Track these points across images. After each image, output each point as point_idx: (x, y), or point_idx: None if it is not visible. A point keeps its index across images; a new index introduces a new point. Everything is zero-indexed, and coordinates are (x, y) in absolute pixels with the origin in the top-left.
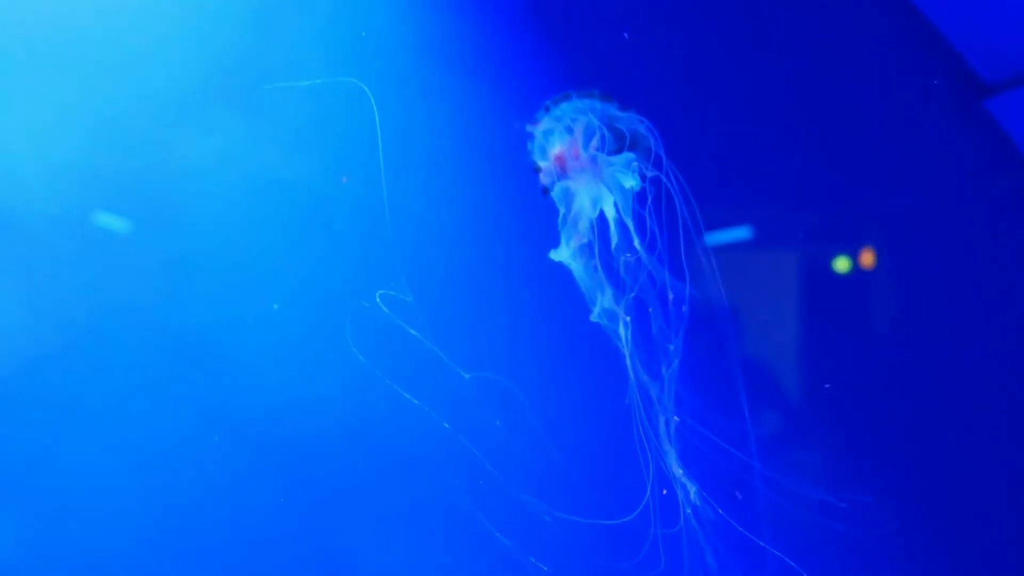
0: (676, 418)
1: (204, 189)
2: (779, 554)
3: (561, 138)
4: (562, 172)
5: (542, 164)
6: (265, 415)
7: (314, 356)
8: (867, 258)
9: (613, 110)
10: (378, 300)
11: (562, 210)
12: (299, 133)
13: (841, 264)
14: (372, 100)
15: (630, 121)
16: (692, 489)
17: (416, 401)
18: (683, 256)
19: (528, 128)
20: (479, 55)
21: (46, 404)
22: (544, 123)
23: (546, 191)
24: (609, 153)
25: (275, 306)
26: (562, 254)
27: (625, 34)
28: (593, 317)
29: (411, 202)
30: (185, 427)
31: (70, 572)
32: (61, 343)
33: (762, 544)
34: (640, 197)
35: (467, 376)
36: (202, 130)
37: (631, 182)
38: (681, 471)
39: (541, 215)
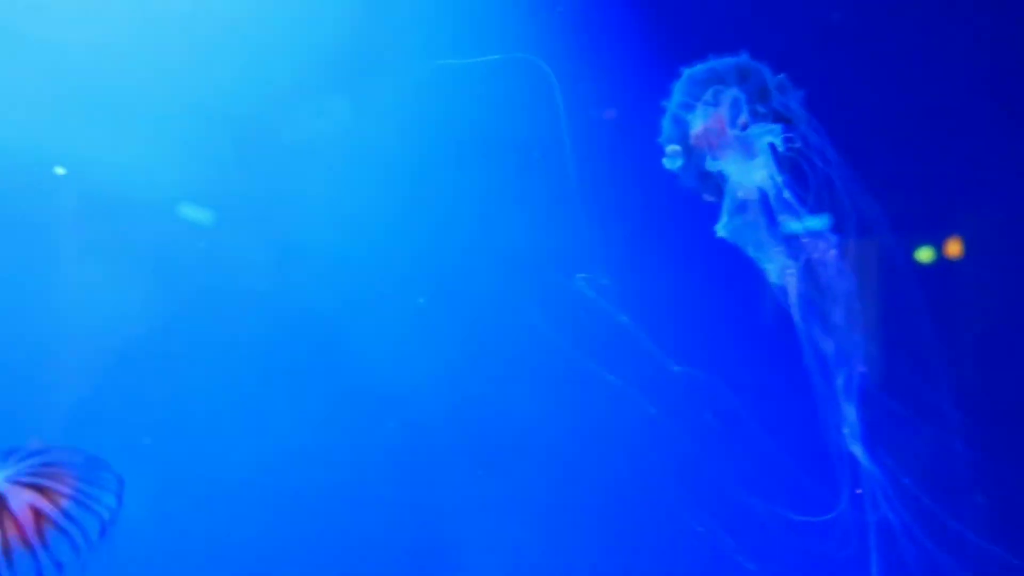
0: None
1: (314, 173)
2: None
3: (705, 112)
4: (710, 147)
5: (672, 148)
6: (380, 401)
7: (427, 343)
8: None
9: (762, 78)
10: (578, 283)
11: (713, 186)
12: (408, 117)
13: None
14: (552, 77)
15: (780, 89)
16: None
17: (620, 383)
18: (841, 226)
19: (666, 105)
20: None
21: (167, 389)
22: (684, 95)
23: (683, 169)
24: (758, 124)
25: (406, 298)
26: (724, 229)
27: None
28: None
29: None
30: (300, 414)
31: (196, 558)
32: (178, 330)
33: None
34: (791, 167)
35: (677, 369)
36: (313, 113)
37: (778, 149)
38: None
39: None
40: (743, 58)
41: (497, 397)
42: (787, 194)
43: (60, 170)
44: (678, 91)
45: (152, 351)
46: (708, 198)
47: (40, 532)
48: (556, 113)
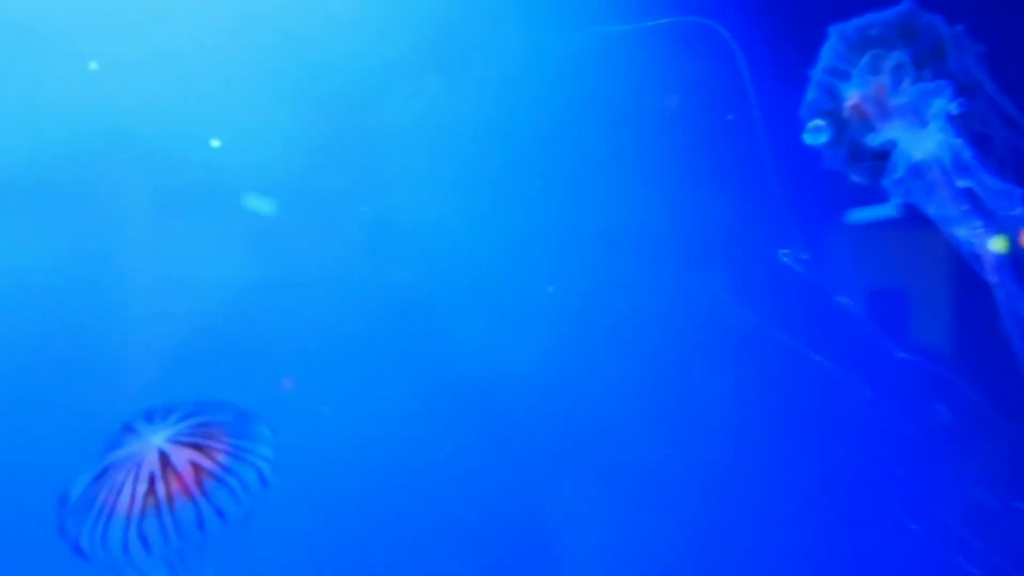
0: None
1: (408, 153)
2: None
3: (862, 79)
4: (870, 119)
5: (816, 122)
6: (476, 382)
7: (558, 332)
8: None
9: (934, 34)
10: (782, 258)
11: (867, 164)
12: (502, 95)
13: None
14: (732, 42)
15: (955, 45)
16: None
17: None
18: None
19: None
20: None
21: (263, 378)
22: (835, 59)
23: (831, 144)
24: (927, 88)
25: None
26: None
27: None
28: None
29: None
30: (402, 404)
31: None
32: (278, 317)
33: None
34: (969, 133)
35: (901, 355)
36: (406, 94)
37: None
38: None
39: None
40: (909, 8)
41: (671, 390)
42: (967, 158)
43: (215, 142)
44: (827, 55)
45: (252, 339)
46: (856, 179)
47: (200, 484)
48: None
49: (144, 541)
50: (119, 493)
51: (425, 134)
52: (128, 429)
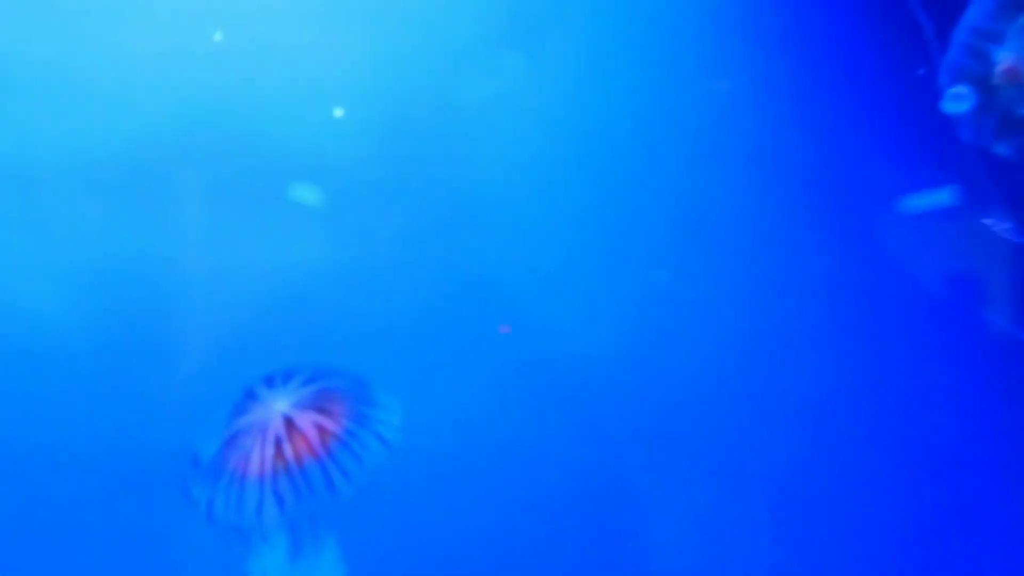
0: None
1: (489, 131)
2: None
3: (1018, 41)
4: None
5: (957, 88)
6: (552, 358)
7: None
8: None
9: None
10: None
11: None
12: (582, 70)
13: None
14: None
15: None
16: None
17: None
18: None
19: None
20: None
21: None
22: (984, 19)
23: (974, 113)
24: None
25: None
26: None
27: None
28: None
29: None
30: (468, 368)
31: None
32: (353, 287)
33: None
34: None
35: None
36: (487, 71)
37: None
38: None
39: None
40: None
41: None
42: None
43: (338, 111)
44: (975, 13)
45: (335, 319)
46: (1003, 152)
47: (326, 446)
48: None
49: (279, 500)
50: (248, 457)
51: (504, 111)
52: (251, 395)
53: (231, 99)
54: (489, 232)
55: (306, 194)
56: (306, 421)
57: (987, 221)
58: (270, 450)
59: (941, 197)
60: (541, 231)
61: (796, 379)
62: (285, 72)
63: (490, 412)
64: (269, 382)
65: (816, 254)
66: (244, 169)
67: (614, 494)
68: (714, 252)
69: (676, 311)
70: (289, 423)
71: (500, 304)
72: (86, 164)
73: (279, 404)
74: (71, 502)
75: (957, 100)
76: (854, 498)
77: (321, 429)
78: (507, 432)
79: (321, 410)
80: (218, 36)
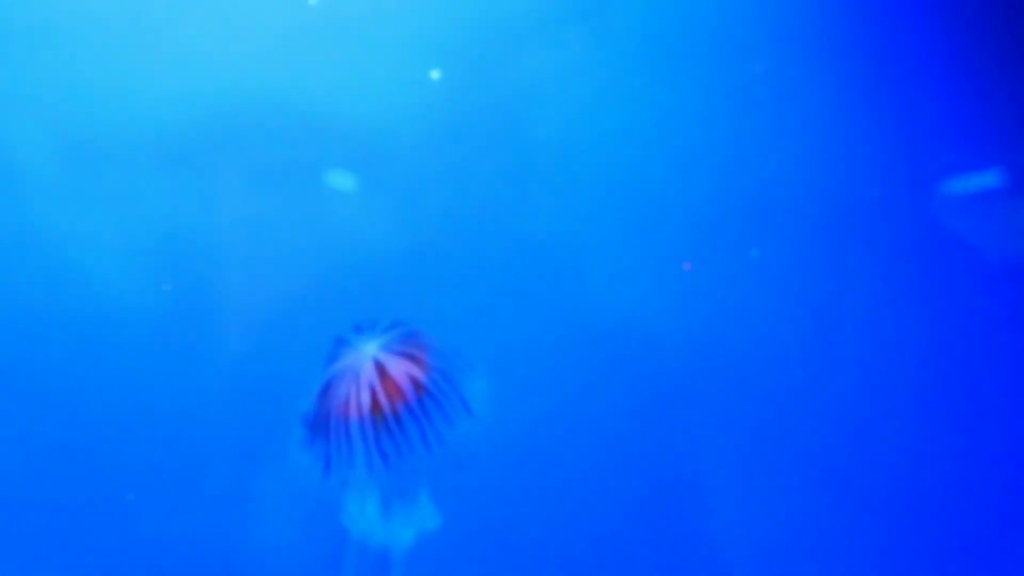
0: None
1: (549, 104)
2: None
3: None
4: None
5: None
6: (610, 329)
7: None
8: None
9: None
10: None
11: None
12: (645, 43)
13: None
14: None
15: None
16: None
17: None
18: None
19: None
20: None
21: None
22: None
23: None
24: None
25: None
26: None
27: None
28: None
29: None
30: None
31: None
32: (422, 258)
33: None
34: None
35: None
36: (547, 44)
37: None
38: None
39: None
40: None
41: None
42: None
43: (435, 73)
44: None
45: (401, 291)
46: None
47: (418, 394)
48: None
49: (376, 449)
50: (347, 405)
51: (567, 84)
52: (341, 342)
53: (292, 73)
54: (552, 208)
55: (342, 180)
56: (398, 369)
57: None
58: (366, 398)
59: (988, 179)
60: (606, 202)
61: (858, 358)
62: (345, 45)
63: (552, 385)
64: (358, 329)
65: (868, 233)
66: (306, 142)
67: (678, 470)
68: (767, 230)
69: (738, 288)
70: (381, 370)
71: (563, 278)
72: (151, 139)
73: (369, 348)
74: (143, 464)
75: None
76: (927, 485)
77: (412, 377)
78: (571, 404)
79: (410, 356)
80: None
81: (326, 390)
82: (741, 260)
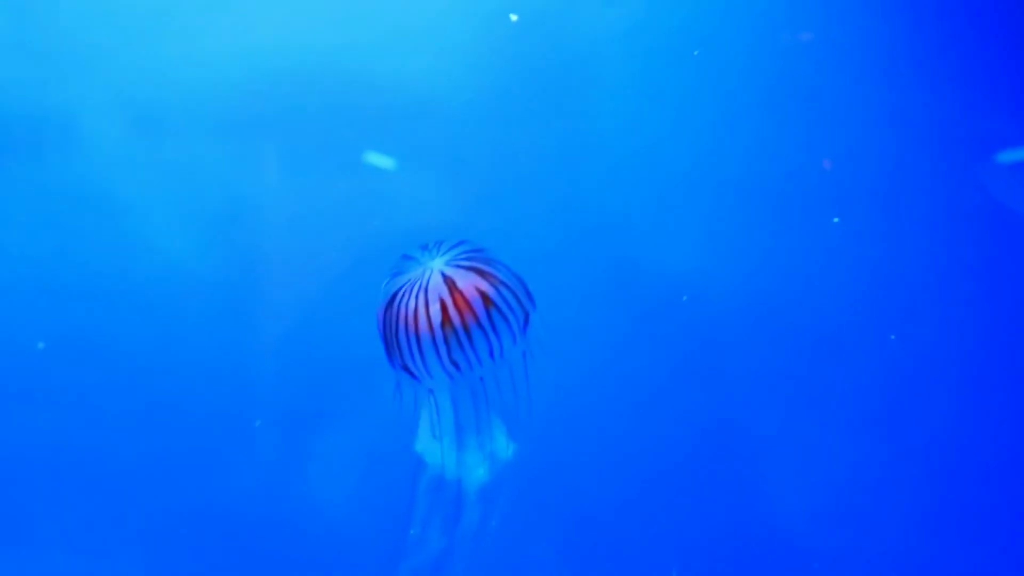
0: None
1: (608, 61)
2: None
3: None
4: None
5: None
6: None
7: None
8: None
9: None
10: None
11: None
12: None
13: None
14: None
15: None
16: None
17: None
18: None
19: None
20: None
21: None
22: None
23: None
24: None
25: None
26: None
27: None
28: None
29: None
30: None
31: None
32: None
33: None
34: None
35: None
36: (605, 4)
37: None
38: None
39: None
40: None
41: None
42: None
43: (514, 16)
44: None
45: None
46: None
47: (488, 312)
48: None
49: (450, 364)
50: (417, 319)
51: (622, 46)
52: (407, 257)
53: (347, 39)
54: (607, 167)
55: (380, 160)
56: (466, 282)
57: None
58: (436, 312)
59: None
60: (661, 165)
61: (910, 318)
62: (397, 5)
63: (606, 350)
64: (424, 247)
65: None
66: (359, 108)
67: (732, 427)
68: (825, 191)
69: (795, 246)
70: (451, 284)
71: (618, 241)
72: (208, 107)
73: (436, 263)
74: (202, 426)
75: None
76: (983, 449)
77: (481, 291)
78: (624, 365)
79: (478, 271)
80: None
81: (392, 303)
82: (797, 218)
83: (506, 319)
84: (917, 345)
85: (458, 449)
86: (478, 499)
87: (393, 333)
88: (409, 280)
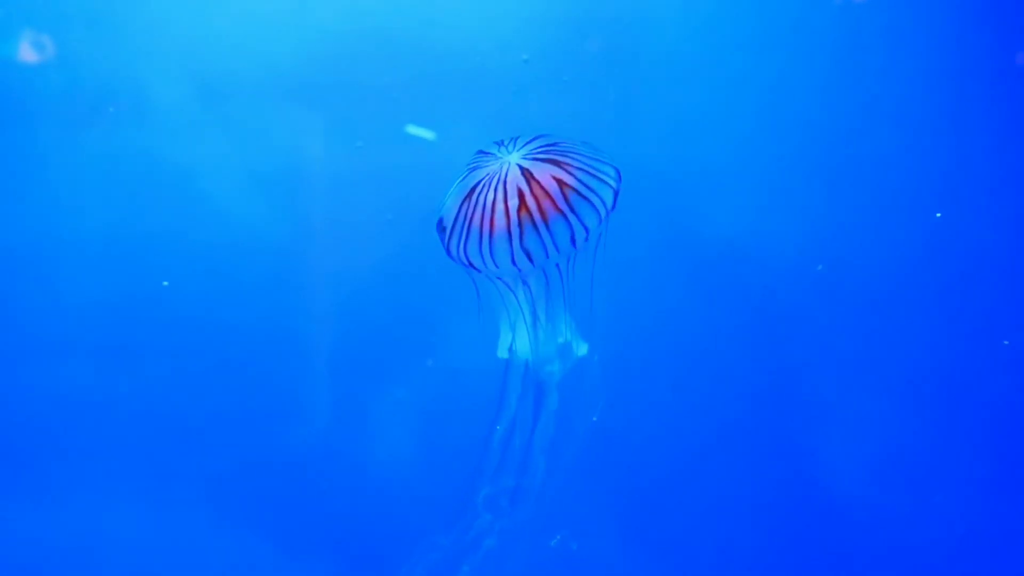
0: None
1: (660, 25)
2: None
3: None
4: None
5: None
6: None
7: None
8: None
9: None
10: None
11: None
12: None
13: None
14: None
15: None
16: None
17: None
18: None
19: None
20: None
21: None
22: None
23: None
24: None
25: None
26: None
27: None
28: None
29: None
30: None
31: None
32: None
33: None
34: None
35: None
36: None
37: None
38: None
39: None
40: None
41: None
42: None
43: None
44: None
45: None
46: None
47: (567, 199)
48: None
49: (527, 255)
50: (493, 211)
51: (676, 5)
52: (483, 153)
53: (405, 5)
54: (661, 130)
55: (422, 132)
56: (544, 173)
57: None
58: (513, 202)
59: None
60: (717, 126)
61: (959, 283)
62: None
63: (666, 311)
64: (499, 143)
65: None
66: (417, 73)
67: (790, 394)
68: (874, 151)
69: (848, 213)
70: (528, 174)
71: (676, 201)
72: (270, 73)
73: (513, 157)
74: (264, 384)
75: None
76: None
77: (560, 181)
78: (682, 330)
79: (556, 162)
80: None
81: (468, 196)
82: (853, 180)
83: (589, 202)
84: (976, 311)
85: (532, 341)
86: (555, 392)
87: (466, 225)
88: (487, 174)
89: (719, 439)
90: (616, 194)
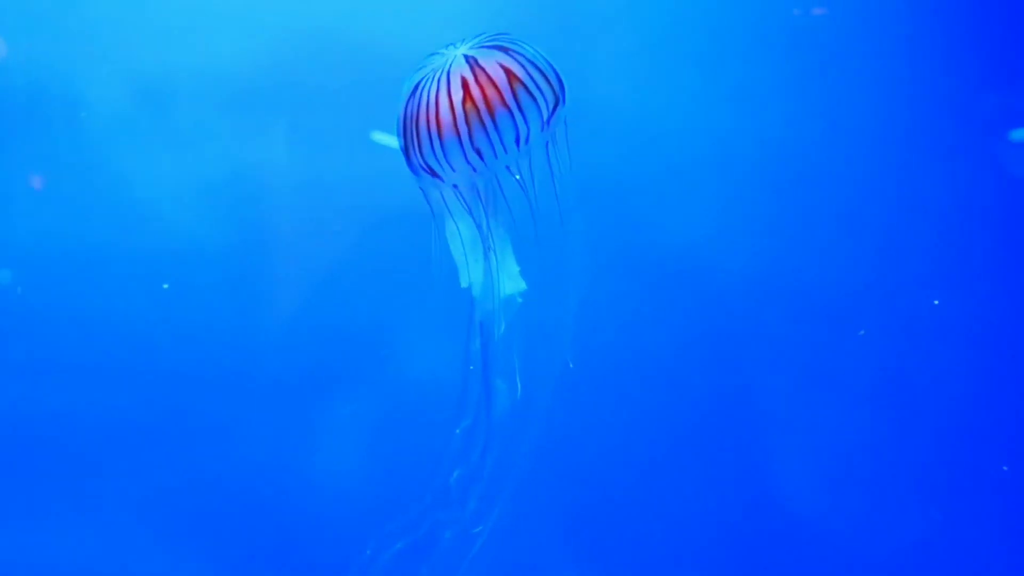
0: None
1: (617, 35)
2: None
3: None
4: None
5: None
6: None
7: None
8: None
9: None
10: None
11: None
12: None
13: None
14: None
15: None
16: None
17: None
18: None
19: None
20: None
21: None
22: None
23: None
24: None
25: None
26: None
27: None
28: None
29: None
30: None
31: None
32: None
33: None
34: None
35: None
36: None
37: None
38: None
39: None
40: None
41: None
42: None
43: None
44: None
45: None
46: None
47: (514, 92)
48: None
49: (479, 153)
50: (437, 106)
51: (634, 14)
52: (432, 54)
53: (353, 11)
54: (621, 137)
55: (388, 140)
56: (491, 60)
57: None
58: (458, 93)
59: None
60: (674, 136)
61: (920, 292)
62: None
63: (620, 322)
64: (447, 44)
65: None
66: (365, 80)
67: (743, 406)
68: (834, 161)
69: (803, 217)
70: (473, 63)
71: (632, 211)
72: (214, 80)
73: (459, 49)
74: (209, 396)
75: None
76: (995, 417)
77: (507, 71)
78: (636, 342)
79: (502, 48)
80: None
81: (414, 94)
82: (809, 193)
83: (534, 99)
84: (930, 322)
85: (484, 255)
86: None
87: (414, 126)
88: (430, 68)
89: (673, 448)
90: (557, 103)
